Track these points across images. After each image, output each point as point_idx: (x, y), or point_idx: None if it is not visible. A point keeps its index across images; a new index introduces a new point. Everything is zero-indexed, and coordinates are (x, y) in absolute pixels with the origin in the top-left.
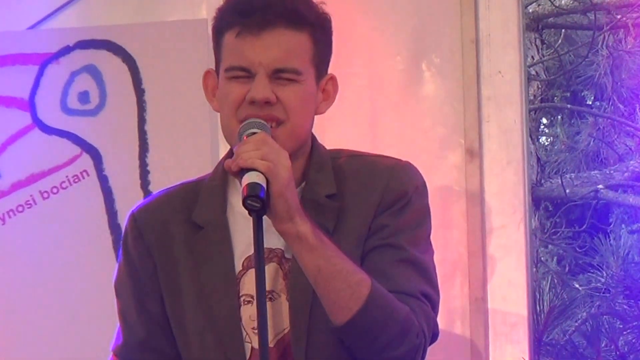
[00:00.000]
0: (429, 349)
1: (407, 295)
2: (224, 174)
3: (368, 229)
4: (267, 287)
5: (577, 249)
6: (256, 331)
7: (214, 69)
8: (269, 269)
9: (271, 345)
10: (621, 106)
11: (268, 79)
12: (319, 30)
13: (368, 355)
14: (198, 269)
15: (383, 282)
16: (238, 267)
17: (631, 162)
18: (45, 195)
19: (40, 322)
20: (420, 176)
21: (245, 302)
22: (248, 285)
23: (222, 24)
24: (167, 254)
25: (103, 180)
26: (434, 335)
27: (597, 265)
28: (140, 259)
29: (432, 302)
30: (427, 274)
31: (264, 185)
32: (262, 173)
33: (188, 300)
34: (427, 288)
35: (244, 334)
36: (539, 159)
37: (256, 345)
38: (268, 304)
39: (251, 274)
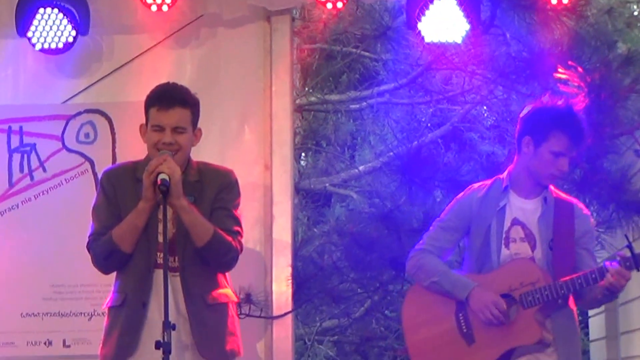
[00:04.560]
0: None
1: (231, 232)
2: (145, 162)
3: (213, 201)
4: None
5: None
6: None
7: (144, 123)
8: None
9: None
10: None
11: (171, 132)
12: (195, 107)
13: (214, 260)
14: (136, 201)
15: (221, 225)
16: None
17: None
18: (65, 180)
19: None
20: (234, 177)
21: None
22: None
23: (149, 103)
24: (122, 193)
25: (95, 176)
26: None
27: None
28: (110, 194)
29: (241, 235)
30: (239, 222)
31: (168, 180)
32: (167, 175)
33: (126, 214)
34: (239, 229)
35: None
36: None
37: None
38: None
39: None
